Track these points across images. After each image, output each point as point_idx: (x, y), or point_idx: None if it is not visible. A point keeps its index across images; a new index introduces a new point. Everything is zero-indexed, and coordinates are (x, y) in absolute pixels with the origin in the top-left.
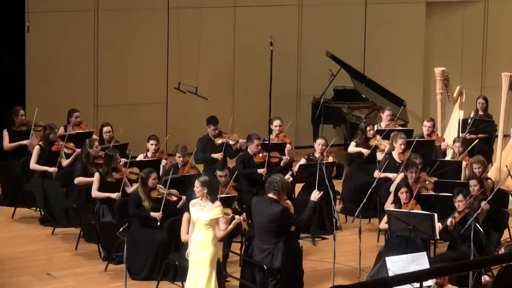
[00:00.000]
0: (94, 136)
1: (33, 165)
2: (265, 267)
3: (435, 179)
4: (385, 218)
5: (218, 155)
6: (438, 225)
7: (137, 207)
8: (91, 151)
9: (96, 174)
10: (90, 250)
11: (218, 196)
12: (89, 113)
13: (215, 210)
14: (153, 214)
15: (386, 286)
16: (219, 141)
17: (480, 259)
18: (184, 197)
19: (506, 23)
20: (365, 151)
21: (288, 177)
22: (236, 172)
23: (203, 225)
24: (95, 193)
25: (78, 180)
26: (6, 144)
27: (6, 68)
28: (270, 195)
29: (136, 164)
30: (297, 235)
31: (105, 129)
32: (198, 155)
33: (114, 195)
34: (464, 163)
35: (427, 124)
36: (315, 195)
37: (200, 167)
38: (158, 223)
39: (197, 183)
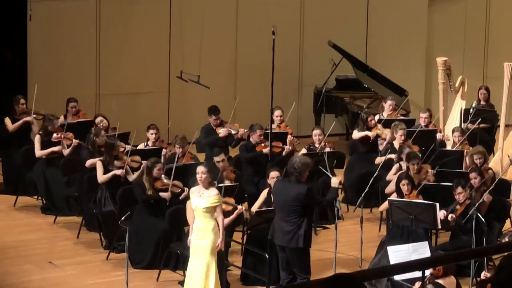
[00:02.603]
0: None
1: (38, 152)
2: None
3: (429, 167)
4: (385, 203)
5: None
6: (443, 212)
7: (144, 193)
8: (97, 139)
9: (99, 162)
10: (91, 239)
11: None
12: (91, 102)
13: (213, 197)
14: (162, 194)
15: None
16: (220, 130)
17: (482, 247)
18: (186, 189)
19: (508, 13)
20: (371, 134)
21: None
22: (239, 159)
23: (202, 212)
24: (101, 178)
25: (90, 162)
26: (11, 126)
27: (8, 56)
28: (292, 176)
29: (137, 153)
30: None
31: (97, 120)
32: (204, 140)
33: (118, 172)
34: (465, 153)
35: (423, 115)
36: (335, 181)
37: (200, 157)
38: (168, 203)
39: (203, 169)
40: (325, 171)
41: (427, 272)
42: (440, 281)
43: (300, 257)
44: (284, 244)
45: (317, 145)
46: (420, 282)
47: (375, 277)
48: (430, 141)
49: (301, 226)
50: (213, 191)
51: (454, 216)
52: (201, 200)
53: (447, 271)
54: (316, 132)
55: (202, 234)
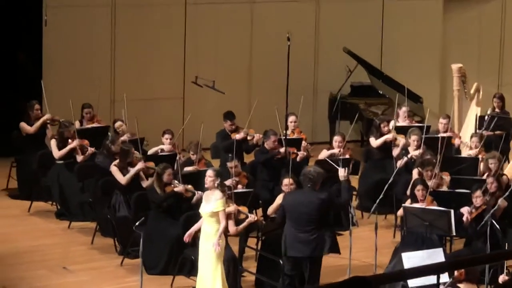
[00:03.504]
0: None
1: (57, 153)
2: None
3: (447, 174)
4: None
5: None
6: (466, 209)
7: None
8: (113, 147)
9: (113, 167)
10: (106, 244)
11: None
12: (106, 108)
13: (216, 202)
14: (177, 189)
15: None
16: (236, 136)
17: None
18: (199, 192)
19: None
20: (390, 136)
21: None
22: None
23: (207, 217)
24: (124, 180)
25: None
26: (29, 129)
27: (23, 62)
28: (307, 187)
29: (152, 159)
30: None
31: (117, 124)
32: (221, 145)
33: (138, 166)
34: (480, 159)
35: (443, 121)
36: (342, 174)
37: (215, 163)
38: (190, 193)
39: (211, 173)
40: (331, 162)
41: (446, 278)
42: (461, 286)
43: (319, 266)
44: (307, 255)
45: (336, 151)
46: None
47: (391, 281)
48: (446, 148)
49: (322, 234)
50: (218, 195)
51: (469, 218)
52: (207, 205)
53: (471, 278)
54: (337, 138)
55: (207, 238)
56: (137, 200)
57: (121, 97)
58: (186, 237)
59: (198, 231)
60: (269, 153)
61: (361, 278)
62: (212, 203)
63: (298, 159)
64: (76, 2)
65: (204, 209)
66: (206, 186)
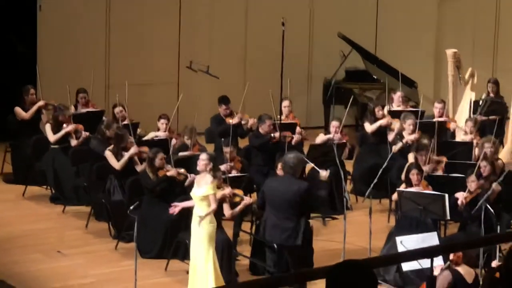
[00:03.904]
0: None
1: (52, 137)
2: (301, 243)
3: (445, 158)
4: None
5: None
6: (462, 193)
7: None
8: (107, 132)
9: (108, 152)
10: (100, 229)
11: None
12: (101, 93)
13: (207, 187)
14: (169, 173)
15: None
16: (230, 120)
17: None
18: (191, 175)
19: None
20: (385, 121)
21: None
22: (248, 149)
23: (198, 200)
24: (119, 165)
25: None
26: (24, 114)
27: (18, 47)
28: (287, 173)
29: (146, 143)
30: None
31: (117, 109)
32: (216, 130)
33: (132, 150)
34: (475, 143)
35: (438, 105)
36: (324, 174)
37: (209, 148)
38: (183, 177)
39: (205, 156)
40: (315, 167)
41: (440, 261)
42: (458, 268)
43: (298, 255)
44: (282, 243)
45: (333, 136)
46: (440, 267)
47: (384, 264)
48: (441, 132)
49: (301, 224)
50: (208, 179)
51: (463, 201)
52: (198, 189)
53: (468, 261)
54: (334, 123)
55: (198, 221)
56: (131, 184)
57: (116, 82)
58: (172, 209)
59: (191, 215)
60: (264, 137)
61: (354, 262)
62: (203, 187)
63: (293, 142)
64: None
65: (195, 193)
66: (198, 169)
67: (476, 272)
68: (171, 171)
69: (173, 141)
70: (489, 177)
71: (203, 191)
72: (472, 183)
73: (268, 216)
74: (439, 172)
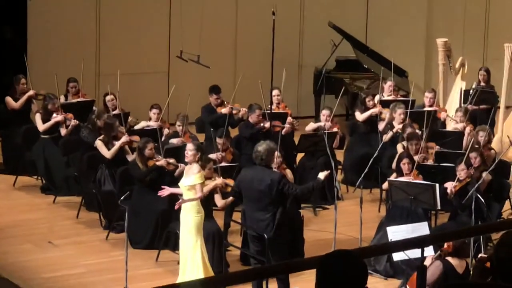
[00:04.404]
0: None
1: (41, 127)
2: (265, 236)
3: (435, 145)
4: (386, 183)
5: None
6: (451, 183)
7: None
8: (98, 122)
9: (98, 142)
10: (91, 219)
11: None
12: (91, 82)
13: (194, 176)
14: (159, 162)
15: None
16: (221, 110)
17: (481, 225)
18: (181, 165)
19: None
20: (375, 110)
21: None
22: (239, 139)
23: (185, 190)
24: (109, 154)
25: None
26: (15, 104)
27: (8, 36)
28: (260, 165)
29: (137, 133)
30: (298, 204)
31: (108, 98)
32: (207, 119)
33: (123, 139)
34: (466, 132)
35: (428, 95)
36: (323, 175)
37: (200, 137)
38: (173, 166)
39: (191, 147)
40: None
41: (431, 251)
42: (449, 259)
43: (276, 245)
44: (260, 232)
45: (324, 125)
46: (432, 257)
47: (374, 254)
48: (432, 121)
49: (276, 215)
50: (195, 169)
51: (453, 190)
52: (186, 179)
53: (459, 252)
54: (325, 112)
55: (185, 212)
56: (122, 174)
57: (106, 71)
58: (161, 191)
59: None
60: (254, 127)
61: (344, 252)
62: (190, 176)
63: (283, 132)
64: None
65: (183, 183)
66: (186, 160)
67: (468, 262)
68: (161, 161)
69: (165, 130)
70: (480, 167)
71: (190, 180)
72: (461, 171)
73: (245, 206)
74: (430, 162)
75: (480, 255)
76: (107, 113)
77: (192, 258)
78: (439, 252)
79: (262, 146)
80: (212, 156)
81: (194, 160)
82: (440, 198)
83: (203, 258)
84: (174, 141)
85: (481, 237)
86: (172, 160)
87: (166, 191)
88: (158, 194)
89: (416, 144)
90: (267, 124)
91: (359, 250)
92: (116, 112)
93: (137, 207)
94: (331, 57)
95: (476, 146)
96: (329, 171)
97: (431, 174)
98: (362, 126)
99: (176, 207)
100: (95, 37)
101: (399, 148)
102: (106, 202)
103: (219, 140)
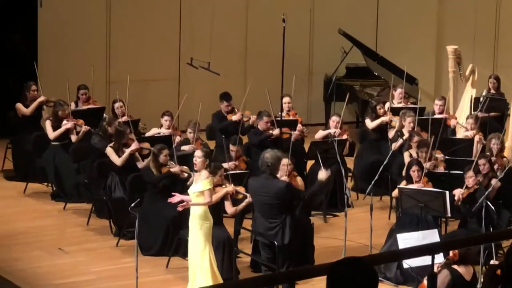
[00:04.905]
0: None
1: (52, 134)
2: (276, 243)
3: (440, 153)
4: (396, 190)
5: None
6: (459, 190)
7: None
8: (109, 129)
9: (109, 149)
10: (101, 226)
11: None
12: (101, 89)
13: (203, 182)
14: (173, 169)
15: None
16: (232, 117)
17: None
18: (193, 174)
19: None
20: (385, 119)
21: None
22: (249, 147)
23: (194, 197)
24: (120, 161)
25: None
26: (25, 110)
27: (18, 43)
28: (266, 173)
29: (147, 140)
30: (308, 212)
31: (116, 105)
32: (218, 126)
33: (133, 146)
34: (476, 140)
35: (438, 102)
36: (323, 175)
37: (211, 144)
38: (186, 174)
39: (199, 153)
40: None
41: (441, 258)
42: (456, 267)
43: (287, 254)
44: (270, 239)
45: (333, 131)
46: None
47: (385, 261)
48: (442, 129)
49: (286, 223)
50: (204, 175)
51: (460, 197)
52: (195, 185)
53: (465, 259)
54: (335, 118)
55: (193, 218)
56: (132, 181)
57: (116, 78)
58: (172, 198)
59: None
60: (263, 134)
61: (355, 259)
62: (199, 183)
63: (292, 139)
64: None
65: (192, 190)
66: (195, 168)
67: (475, 269)
68: (175, 168)
69: (177, 138)
70: (488, 174)
71: (199, 186)
72: (469, 178)
73: (256, 214)
74: (441, 169)
75: (491, 262)
76: (117, 120)
77: (200, 264)
78: (445, 260)
79: (269, 153)
80: (225, 165)
81: (203, 167)
82: (450, 205)
83: (211, 264)
84: (185, 148)
85: (492, 244)
86: (185, 168)
87: (176, 197)
88: (168, 200)
89: (426, 152)
90: (276, 131)
91: (369, 257)
92: (124, 118)
93: (147, 214)
94: (341, 64)
95: (487, 153)
96: (329, 170)
97: (441, 181)
98: (372, 134)
99: (180, 209)
100: (105, 44)
101: (406, 156)
102: (116, 209)
103: (232, 147)
